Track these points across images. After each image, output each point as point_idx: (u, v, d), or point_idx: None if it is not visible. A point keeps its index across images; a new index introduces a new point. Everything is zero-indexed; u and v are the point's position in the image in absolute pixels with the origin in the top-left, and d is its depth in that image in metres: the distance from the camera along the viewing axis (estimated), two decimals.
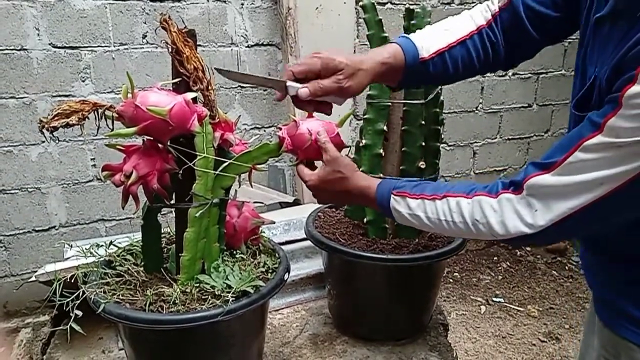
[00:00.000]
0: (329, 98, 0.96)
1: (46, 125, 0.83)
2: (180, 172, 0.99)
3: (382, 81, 1.03)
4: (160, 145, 0.98)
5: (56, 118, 0.83)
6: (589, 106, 0.79)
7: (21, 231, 2.26)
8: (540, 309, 2.75)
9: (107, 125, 0.92)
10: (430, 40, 0.99)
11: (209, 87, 0.96)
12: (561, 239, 0.95)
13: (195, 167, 0.97)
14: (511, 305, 2.78)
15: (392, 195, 0.96)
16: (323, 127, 1.06)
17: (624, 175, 0.71)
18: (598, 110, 0.74)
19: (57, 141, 2.20)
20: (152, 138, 0.96)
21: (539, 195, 0.79)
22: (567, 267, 3.16)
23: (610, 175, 0.72)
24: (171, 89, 0.98)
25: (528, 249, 3.37)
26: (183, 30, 0.93)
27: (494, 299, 2.84)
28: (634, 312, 0.87)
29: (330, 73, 0.93)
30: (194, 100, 0.97)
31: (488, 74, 2.99)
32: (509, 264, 3.21)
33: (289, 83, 0.94)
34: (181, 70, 0.93)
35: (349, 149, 1.12)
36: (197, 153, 0.97)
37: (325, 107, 0.99)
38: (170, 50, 0.93)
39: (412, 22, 1.26)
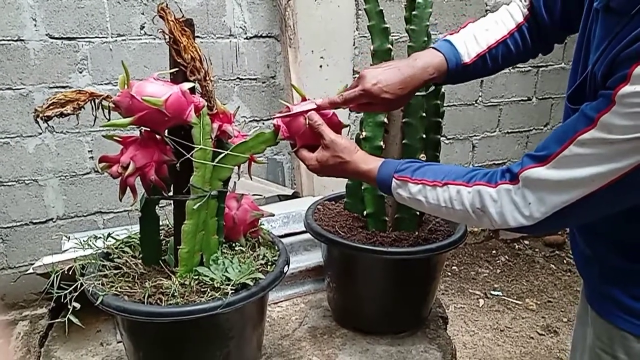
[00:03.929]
0: None
1: (40, 115, 0.81)
2: (178, 163, 0.98)
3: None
4: (158, 136, 0.96)
5: (51, 107, 0.82)
6: (583, 99, 0.79)
7: (18, 223, 2.25)
8: (539, 302, 2.76)
9: (105, 116, 0.91)
10: (472, 43, 1.05)
11: (207, 78, 0.94)
12: (557, 229, 0.96)
13: (192, 159, 0.96)
14: (509, 299, 2.79)
15: (394, 179, 0.96)
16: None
17: (615, 172, 0.72)
18: (591, 103, 0.74)
19: (53, 132, 2.19)
20: (149, 129, 0.95)
21: (533, 188, 0.80)
22: (565, 261, 3.16)
23: (602, 172, 0.73)
24: (169, 79, 0.96)
25: (526, 242, 3.38)
26: (180, 20, 0.91)
27: (492, 292, 2.84)
28: (628, 301, 0.88)
29: (377, 100, 1.02)
30: (192, 90, 0.95)
31: None
32: (507, 257, 3.21)
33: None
34: (178, 60, 0.92)
35: (348, 127, 1.10)
36: (194, 145, 0.96)
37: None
38: (167, 39, 0.91)
39: (414, 12, 1.25)
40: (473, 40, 1.06)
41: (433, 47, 1.06)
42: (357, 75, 2.73)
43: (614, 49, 0.72)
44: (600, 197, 0.75)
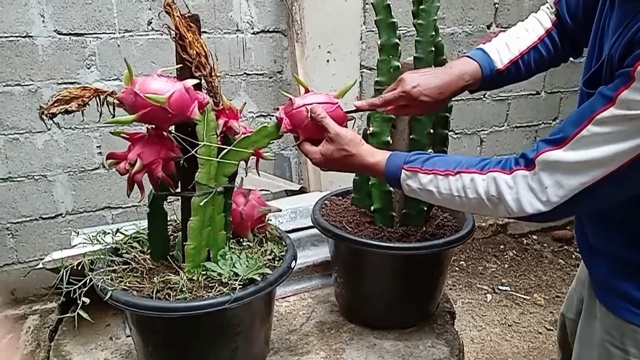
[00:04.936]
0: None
1: (45, 112, 0.82)
2: (183, 160, 0.98)
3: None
4: (165, 133, 0.97)
5: (55, 104, 0.82)
6: (599, 84, 0.79)
7: (28, 219, 2.27)
8: (547, 297, 2.75)
9: (110, 112, 0.91)
10: (504, 51, 1.11)
11: (212, 73, 0.94)
12: (574, 214, 0.95)
13: (197, 155, 0.96)
14: (517, 294, 2.78)
15: (403, 170, 0.95)
16: (323, 100, 1.02)
17: (636, 149, 0.72)
18: (608, 85, 0.75)
19: (61, 128, 2.20)
20: (154, 126, 0.95)
21: (550, 172, 0.79)
22: (573, 256, 3.14)
23: (622, 150, 0.72)
24: (175, 75, 0.96)
25: (535, 237, 3.36)
26: (186, 15, 0.91)
27: (500, 287, 2.83)
28: (639, 295, 0.88)
29: (416, 103, 1.06)
30: (198, 86, 0.95)
31: None
32: (515, 252, 3.20)
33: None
34: (184, 56, 0.92)
35: (353, 120, 1.09)
36: (199, 142, 0.96)
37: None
38: (173, 35, 0.91)
39: (422, 6, 1.24)
40: (505, 47, 1.10)
41: (467, 56, 1.11)
42: (364, 70, 2.72)
43: (631, 31, 0.73)
44: (619, 176, 0.74)
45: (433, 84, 1.05)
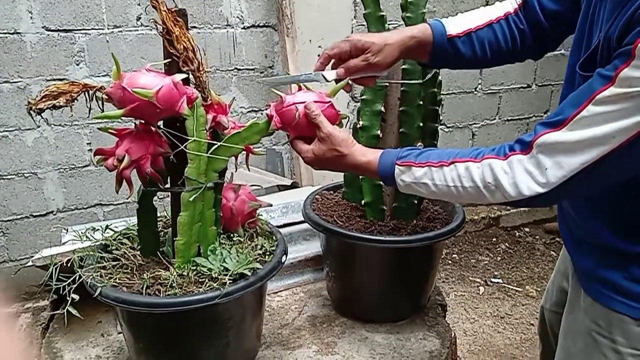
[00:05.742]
0: (369, 73, 1.06)
1: (33, 107, 0.81)
2: (172, 155, 0.97)
3: (412, 57, 1.12)
4: (153, 128, 0.96)
5: (43, 100, 0.82)
6: (594, 67, 0.79)
7: (19, 216, 2.25)
8: (539, 289, 2.76)
9: (99, 107, 0.90)
10: (459, 21, 1.08)
11: (200, 68, 0.94)
12: (572, 197, 0.96)
13: (187, 151, 0.96)
14: (510, 286, 2.79)
15: (397, 166, 0.94)
16: (314, 99, 1.01)
17: (636, 126, 0.72)
18: (606, 66, 0.75)
19: (48, 124, 2.18)
20: (143, 121, 0.95)
21: (550, 153, 0.79)
22: None
23: (623, 127, 0.73)
24: (163, 70, 0.96)
25: (527, 229, 3.38)
26: (173, 10, 0.90)
27: (493, 279, 2.85)
28: (627, 283, 0.88)
29: (360, 52, 1.03)
30: (186, 81, 0.95)
31: None
32: (507, 245, 3.22)
33: (324, 72, 1.06)
34: (171, 51, 0.91)
35: (346, 119, 1.09)
36: (188, 137, 0.95)
37: (368, 81, 1.10)
38: (160, 30, 0.91)
39: (410, 0, 1.24)
40: (461, 19, 1.09)
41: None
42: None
43: (629, 11, 0.72)
44: (619, 155, 0.74)
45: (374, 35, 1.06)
